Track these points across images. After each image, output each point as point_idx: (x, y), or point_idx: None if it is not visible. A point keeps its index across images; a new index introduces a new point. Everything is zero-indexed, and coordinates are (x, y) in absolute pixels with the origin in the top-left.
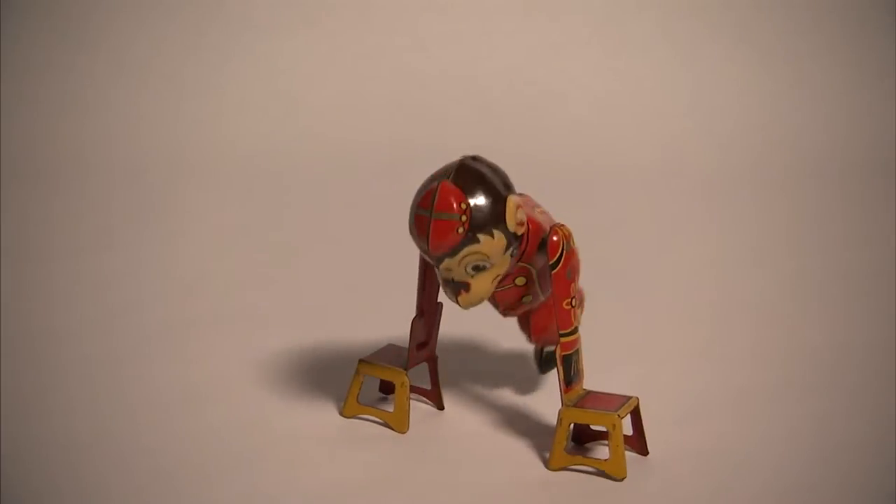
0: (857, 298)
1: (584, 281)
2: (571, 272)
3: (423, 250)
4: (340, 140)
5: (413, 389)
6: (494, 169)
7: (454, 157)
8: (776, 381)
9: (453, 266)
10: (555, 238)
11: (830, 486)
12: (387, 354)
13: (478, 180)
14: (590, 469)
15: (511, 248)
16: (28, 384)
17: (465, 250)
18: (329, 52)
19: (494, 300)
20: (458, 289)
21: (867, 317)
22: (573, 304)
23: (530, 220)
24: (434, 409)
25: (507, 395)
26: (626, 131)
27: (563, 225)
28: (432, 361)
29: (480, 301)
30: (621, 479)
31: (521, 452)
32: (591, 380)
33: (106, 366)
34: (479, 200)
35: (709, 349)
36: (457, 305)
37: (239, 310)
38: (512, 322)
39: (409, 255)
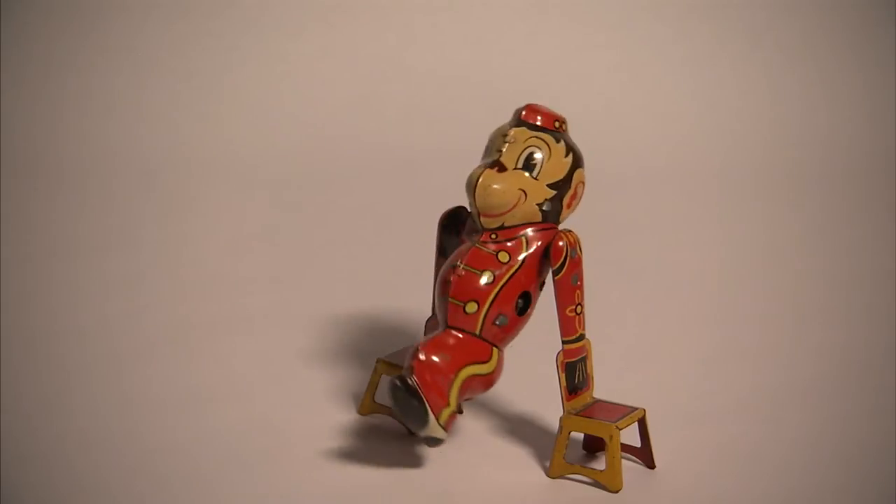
0: (867, 302)
1: (594, 284)
2: (577, 278)
3: (512, 119)
4: (355, 141)
5: None
6: None
7: (467, 159)
8: (782, 388)
9: (519, 138)
10: (560, 243)
11: (839, 492)
12: (406, 355)
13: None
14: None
15: (550, 197)
16: (39, 384)
17: (545, 134)
18: (343, 54)
19: (459, 254)
20: (492, 165)
21: (877, 321)
22: (578, 311)
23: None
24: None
25: (518, 401)
26: (633, 134)
27: (569, 231)
28: None
29: (499, 192)
30: (616, 491)
31: (524, 458)
32: (599, 385)
33: (120, 365)
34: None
35: (716, 354)
36: (470, 193)
37: (256, 310)
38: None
39: (430, 255)
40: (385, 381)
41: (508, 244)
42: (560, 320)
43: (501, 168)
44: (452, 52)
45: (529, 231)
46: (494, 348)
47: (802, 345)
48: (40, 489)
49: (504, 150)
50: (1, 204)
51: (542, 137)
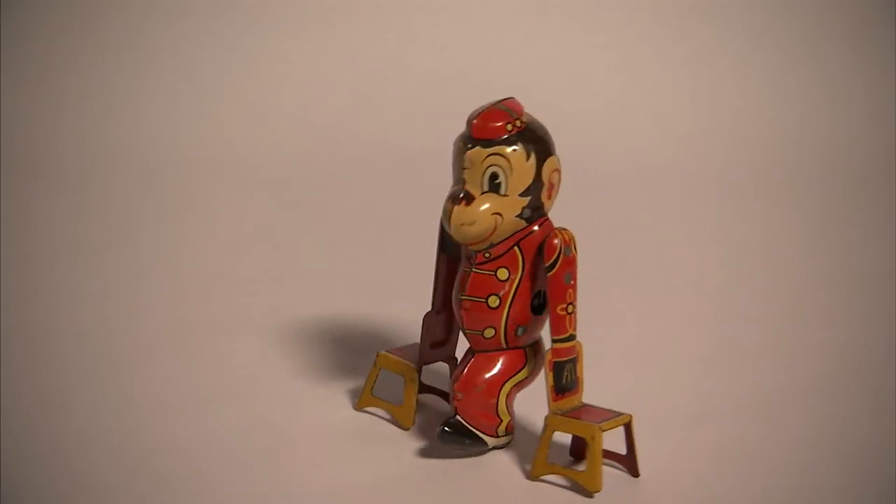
0: (867, 302)
1: (593, 284)
2: (570, 277)
3: (466, 132)
4: (355, 141)
5: (433, 391)
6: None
7: None
8: (782, 388)
9: (476, 160)
10: (554, 241)
11: (839, 492)
12: (408, 351)
13: (538, 126)
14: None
15: (527, 204)
16: (39, 384)
17: (500, 146)
18: (343, 54)
19: (461, 283)
20: (460, 198)
21: (877, 321)
22: (569, 310)
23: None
24: (448, 409)
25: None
26: (633, 134)
27: (565, 229)
28: (452, 362)
29: (475, 225)
30: (594, 493)
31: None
32: (597, 385)
33: (119, 365)
34: (536, 129)
35: (716, 354)
36: (448, 228)
37: (256, 310)
38: None
39: (430, 255)
40: (385, 374)
41: (503, 259)
42: (551, 318)
43: (469, 199)
44: (452, 52)
45: (520, 238)
46: (526, 349)
47: (802, 345)
48: (40, 489)
49: (466, 177)
50: (1, 204)
51: (498, 152)
